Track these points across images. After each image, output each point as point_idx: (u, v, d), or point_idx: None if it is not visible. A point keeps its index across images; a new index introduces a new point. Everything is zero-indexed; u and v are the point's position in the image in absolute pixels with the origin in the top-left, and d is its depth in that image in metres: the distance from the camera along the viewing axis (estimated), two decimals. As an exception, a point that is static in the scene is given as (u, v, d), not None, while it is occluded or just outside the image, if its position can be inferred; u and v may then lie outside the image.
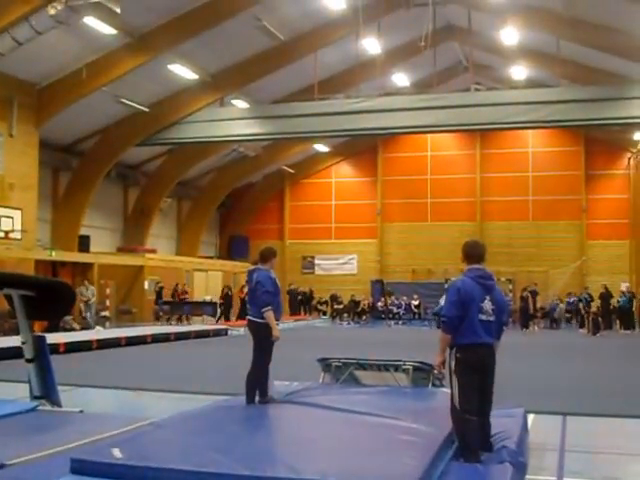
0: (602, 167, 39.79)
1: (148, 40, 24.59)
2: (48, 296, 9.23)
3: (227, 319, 32.01)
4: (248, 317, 8.83)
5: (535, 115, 25.54)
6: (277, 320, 8.63)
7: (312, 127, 27.64)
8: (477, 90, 29.68)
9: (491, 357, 6.43)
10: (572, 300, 32.09)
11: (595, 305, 29.69)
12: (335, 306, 38.02)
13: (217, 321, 30.71)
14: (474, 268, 6.53)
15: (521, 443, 6.90)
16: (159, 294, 31.96)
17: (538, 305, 32.51)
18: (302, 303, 39.48)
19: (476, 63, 31.37)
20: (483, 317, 6.33)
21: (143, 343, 21.05)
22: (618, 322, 30.31)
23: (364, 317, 36.97)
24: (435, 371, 8.77)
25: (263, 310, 8.48)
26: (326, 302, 39.64)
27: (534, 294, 31.85)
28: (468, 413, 6.20)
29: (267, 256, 8.84)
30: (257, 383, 8.54)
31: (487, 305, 6.36)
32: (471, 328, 6.28)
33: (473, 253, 6.65)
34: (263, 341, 8.55)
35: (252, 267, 8.98)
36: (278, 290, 8.76)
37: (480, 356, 6.33)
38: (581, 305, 30.10)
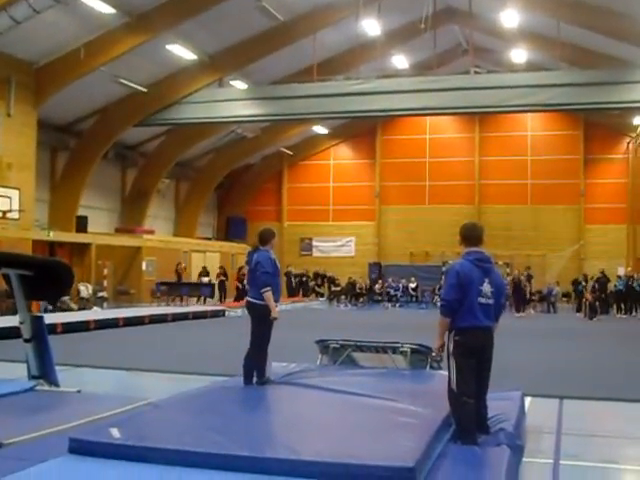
0: (601, 151, 39.72)
1: (147, 20, 24.45)
2: (46, 276, 9.23)
3: (221, 300, 32.09)
4: (247, 298, 8.84)
5: (534, 99, 25.48)
6: (276, 301, 8.63)
7: (311, 109, 27.55)
8: (477, 73, 29.58)
9: (490, 340, 6.45)
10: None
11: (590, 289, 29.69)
12: (332, 288, 38.06)
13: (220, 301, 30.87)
14: (472, 251, 6.54)
15: (518, 426, 6.93)
16: (180, 275, 33.09)
17: (534, 289, 32.59)
18: (300, 285, 39.49)
19: (476, 46, 31.23)
20: (482, 300, 6.34)
21: (141, 324, 21.05)
22: (615, 306, 30.38)
23: (361, 299, 37.01)
24: (433, 354, 8.78)
25: (262, 291, 8.48)
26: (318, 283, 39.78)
27: (529, 278, 31.88)
28: (465, 396, 6.23)
29: (266, 237, 8.84)
30: (255, 364, 8.55)
31: (486, 288, 6.38)
32: (470, 311, 6.29)
33: (471, 235, 6.65)
34: (262, 322, 8.55)
35: (252, 249, 8.99)
36: (277, 271, 8.76)
37: (479, 339, 6.35)
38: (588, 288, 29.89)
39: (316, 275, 39.17)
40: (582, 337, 19.78)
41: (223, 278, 33.32)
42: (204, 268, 34.43)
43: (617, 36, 26.41)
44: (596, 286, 29.23)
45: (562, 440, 7.35)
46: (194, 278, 34.56)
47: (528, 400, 8.82)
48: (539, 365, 13.09)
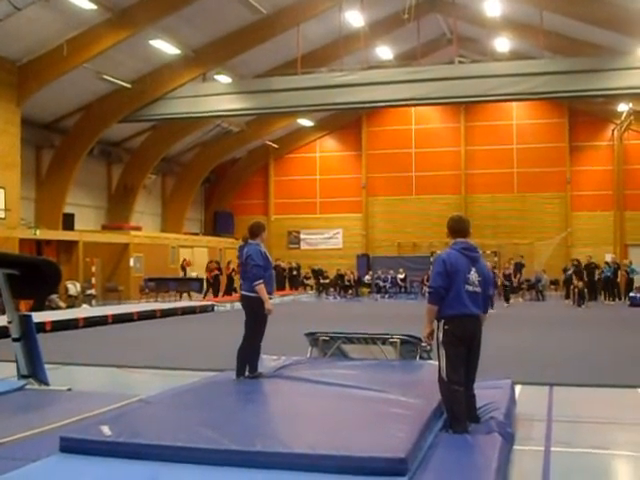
0: (586, 139, 39.81)
1: (129, 15, 24.32)
2: (33, 275, 9.20)
3: (216, 295, 32.03)
4: (241, 292, 8.87)
5: (519, 87, 25.49)
6: (270, 294, 8.66)
7: (296, 101, 27.49)
8: (461, 62, 29.56)
9: (478, 328, 6.51)
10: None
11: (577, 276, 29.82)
12: (321, 281, 38.09)
13: (204, 297, 30.74)
14: (459, 241, 6.63)
15: (509, 414, 6.97)
16: (185, 270, 33.78)
17: (523, 277, 32.73)
18: (290, 278, 39.47)
19: (460, 35, 31.24)
20: (470, 288, 6.41)
21: (130, 320, 21.03)
22: (603, 293, 30.53)
23: (350, 291, 37.07)
24: (423, 343, 8.81)
25: (255, 284, 8.52)
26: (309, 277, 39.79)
27: (519, 267, 32.00)
28: (456, 384, 6.29)
29: (256, 231, 8.88)
30: (248, 358, 8.57)
31: (473, 276, 6.45)
32: (458, 299, 6.35)
33: (458, 228, 6.73)
34: (256, 315, 8.57)
35: (242, 243, 9.02)
36: (269, 264, 8.80)
37: (468, 327, 6.40)
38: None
39: (314, 272, 38.89)
40: (571, 324, 19.86)
41: (217, 273, 33.25)
42: (218, 263, 34.22)
43: (600, 24, 26.44)
44: (584, 273, 29.37)
45: (553, 427, 7.38)
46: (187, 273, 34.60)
47: (518, 388, 8.87)
48: (528, 353, 13.15)
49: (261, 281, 8.51)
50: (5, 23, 21.41)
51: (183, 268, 34.28)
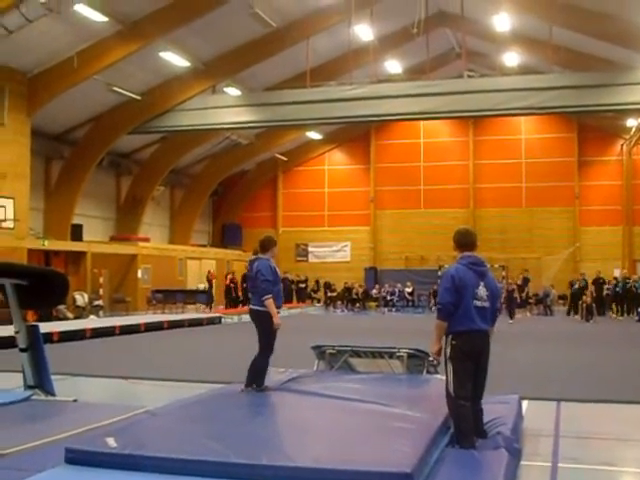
0: (595, 154, 39.77)
1: (140, 28, 24.45)
2: (41, 285, 9.20)
3: (226, 307, 32.15)
4: (250, 306, 8.91)
5: (528, 102, 25.48)
6: (278, 308, 8.69)
7: (305, 115, 27.57)
8: (470, 77, 29.64)
9: (486, 344, 6.47)
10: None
11: (589, 291, 29.76)
12: (329, 294, 38.06)
13: (210, 309, 30.85)
14: (467, 255, 6.60)
15: (516, 429, 6.93)
16: (211, 282, 33.78)
17: (531, 292, 32.63)
18: (298, 291, 39.44)
19: (469, 50, 31.31)
20: (478, 303, 6.37)
21: (137, 332, 21.02)
22: (613, 308, 30.44)
23: (357, 305, 37.01)
24: (431, 358, 8.78)
25: (263, 298, 8.55)
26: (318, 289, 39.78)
27: (526, 281, 31.88)
28: (462, 399, 6.25)
29: (267, 245, 8.91)
30: (258, 371, 8.58)
31: (482, 291, 6.41)
32: (467, 315, 6.31)
33: (465, 242, 6.70)
34: (265, 329, 8.60)
35: (253, 257, 9.03)
36: (278, 279, 8.82)
37: (476, 343, 6.37)
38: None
39: (326, 286, 38.74)
40: (579, 339, 19.77)
41: (232, 285, 33.25)
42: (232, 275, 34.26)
43: (609, 39, 26.46)
44: (593, 288, 29.31)
45: (560, 443, 7.34)
46: (191, 284, 34.63)
47: (525, 403, 8.82)
48: (536, 368, 13.09)
49: (270, 296, 8.54)
50: (17, 35, 21.53)
51: (209, 280, 34.06)
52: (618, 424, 8.55)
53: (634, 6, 23.85)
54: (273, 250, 8.93)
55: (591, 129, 39.14)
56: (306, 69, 27.80)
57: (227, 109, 28.35)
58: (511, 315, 27.98)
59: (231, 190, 44.13)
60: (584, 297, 28.70)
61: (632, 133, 36.68)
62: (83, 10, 21.95)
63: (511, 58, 32.50)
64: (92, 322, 22.70)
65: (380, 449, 5.52)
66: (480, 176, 40.89)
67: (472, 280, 6.41)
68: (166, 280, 32.72)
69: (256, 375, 8.56)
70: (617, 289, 30.29)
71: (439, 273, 35.87)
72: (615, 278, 31.45)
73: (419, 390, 8.69)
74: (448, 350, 6.37)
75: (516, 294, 29.85)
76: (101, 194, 33.96)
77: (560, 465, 6.50)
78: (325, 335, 16.98)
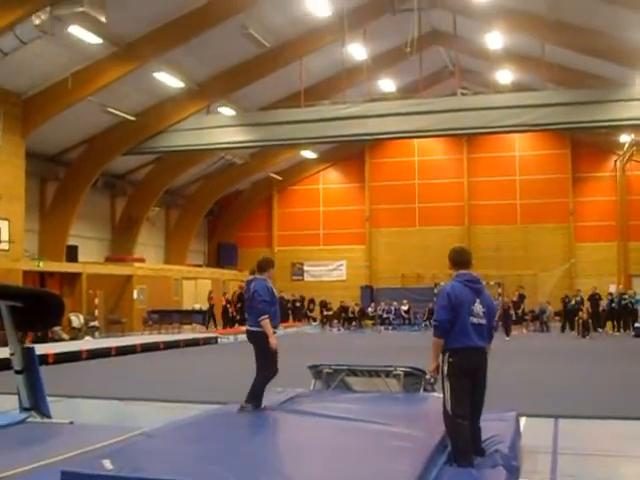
0: (589, 170, 39.92)
1: (134, 49, 24.52)
2: (36, 307, 9.18)
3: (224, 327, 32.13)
4: (246, 327, 8.90)
5: (521, 119, 25.57)
6: (275, 328, 8.70)
7: (299, 134, 27.61)
8: (463, 95, 29.70)
9: (483, 360, 6.46)
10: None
11: (585, 307, 29.77)
12: (325, 312, 38.02)
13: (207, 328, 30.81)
14: (462, 273, 6.61)
15: (514, 446, 6.91)
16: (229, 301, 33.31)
17: (527, 308, 32.65)
18: (293, 310, 39.40)
19: (462, 68, 31.46)
20: (474, 320, 6.37)
21: (133, 352, 20.96)
22: (610, 323, 30.43)
23: (353, 323, 36.97)
24: (428, 376, 8.76)
25: (260, 319, 8.55)
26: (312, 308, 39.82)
27: (522, 298, 31.89)
28: (460, 418, 6.22)
29: (264, 266, 8.94)
30: (257, 391, 8.55)
31: (478, 308, 6.41)
32: (463, 332, 6.31)
33: (460, 260, 6.72)
34: (262, 349, 8.59)
35: (250, 277, 9.05)
36: (275, 299, 8.82)
37: (473, 360, 6.36)
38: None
39: (322, 304, 38.70)
40: (576, 355, 19.77)
41: (228, 305, 33.19)
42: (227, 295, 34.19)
43: (601, 55, 26.65)
44: (588, 304, 29.33)
45: (558, 460, 7.32)
46: (186, 304, 34.58)
47: (523, 420, 8.80)
48: (533, 385, 13.07)
49: (266, 316, 8.53)
50: (11, 57, 21.55)
51: (210, 300, 33.74)
52: (616, 440, 8.54)
53: (624, 23, 24.05)
54: (270, 271, 8.96)
55: (585, 145, 39.31)
56: (300, 89, 27.89)
57: (221, 129, 28.38)
58: (507, 332, 27.96)
59: (226, 210, 44.16)
60: (580, 313, 28.72)
61: (625, 149, 36.85)
62: (77, 32, 22.03)
63: (504, 75, 32.68)
64: (88, 343, 22.62)
65: (378, 469, 5.50)
66: (475, 193, 41.00)
67: (468, 297, 6.42)
68: (162, 300, 32.66)
69: (254, 395, 8.54)
70: (613, 305, 30.30)
71: (435, 291, 35.89)
72: (610, 294, 31.46)
73: (416, 408, 8.67)
74: (445, 367, 6.35)
75: (512, 311, 29.84)
76: (96, 215, 33.96)
77: (559, 482, 6.48)
78: (322, 354, 16.94)
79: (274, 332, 8.64)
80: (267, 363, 8.64)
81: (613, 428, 9.27)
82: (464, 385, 6.29)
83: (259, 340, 8.59)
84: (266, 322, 8.52)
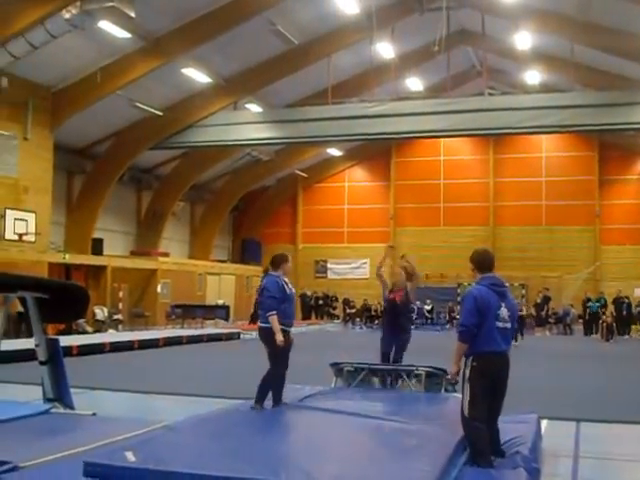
0: (616, 172, 39.57)
1: (162, 44, 24.63)
2: (62, 299, 9.26)
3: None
4: (258, 323, 8.88)
5: (549, 120, 25.41)
6: (289, 326, 8.65)
7: (326, 131, 27.59)
8: (491, 95, 29.54)
9: (506, 365, 6.43)
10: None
11: (609, 310, 29.58)
12: (347, 310, 38.02)
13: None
14: (487, 276, 6.55)
15: (534, 449, 6.88)
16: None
17: (551, 310, 32.48)
18: (316, 307, 39.42)
19: (490, 67, 31.26)
20: (500, 324, 6.33)
21: (156, 346, 21.08)
22: (636, 327, 30.22)
23: (376, 322, 36.90)
24: (448, 376, 8.75)
25: (267, 315, 8.52)
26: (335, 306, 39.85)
27: (546, 299, 31.73)
28: (477, 421, 6.20)
29: (278, 262, 8.87)
30: (270, 389, 8.56)
31: (503, 312, 6.37)
32: (489, 336, 6.27)
33: (484, 262, 6.67)
34: (271, 346, 8.57)
35: (263, 274, 9.05)
36: (286, 296, 8.69)
37: (497, 364, 6.33)
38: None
39: (345, 302, 38.66)
40: (599, 359, 19.64)
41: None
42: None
43: (630, 57, 26.39)
44: (613, 307, 29.14)
45: (579, 463, 7.29)
46: (210, 300, 34.69)
47: (544, 423, 8.75)
48: (555, 387, 13.00)
49: (274, 312, 8.46)
50: (41, 50, 21.73)
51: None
52: (638, 445, 8.48)
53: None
54: (284, 267, 8.85)
55: (612, 148, 38.98)
56: (327, 86, 27.87)
57: (248, 125, 28.44)
58: (515, 337, 27.82)
59: (251, 206, 44.23)
60: (604, 316, 28.52)
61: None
62: (107, 27, 22.19)
63: (532, 76, 32.46)
64: (111, 336, 22.79)
65: (397, 468, 5.50)
66: (500, 194, 40.79)
67: (494, 301, 6.37)
68: (185, 295, 32.78)
69: (267, 392, 8.54)
70: (639, 308, 30.09)
71: (458, 291, 35.80)
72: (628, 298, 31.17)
73: (437, 408, 8.66)
74: (467, 371, 6.31)
75: (527, 316, 29.54)
76: (122, 209, 34.15)
77: (579, 486, 6.45)
78: (343, 352, 16.95)
79: (288, 329, 8.60)
80: (276, 360, 8.63)
81: (636, 432, 9.20)
82: (485, 389, 6.26)
83: (267, 336, 8.56)
84: (273, 318, 8.46)
